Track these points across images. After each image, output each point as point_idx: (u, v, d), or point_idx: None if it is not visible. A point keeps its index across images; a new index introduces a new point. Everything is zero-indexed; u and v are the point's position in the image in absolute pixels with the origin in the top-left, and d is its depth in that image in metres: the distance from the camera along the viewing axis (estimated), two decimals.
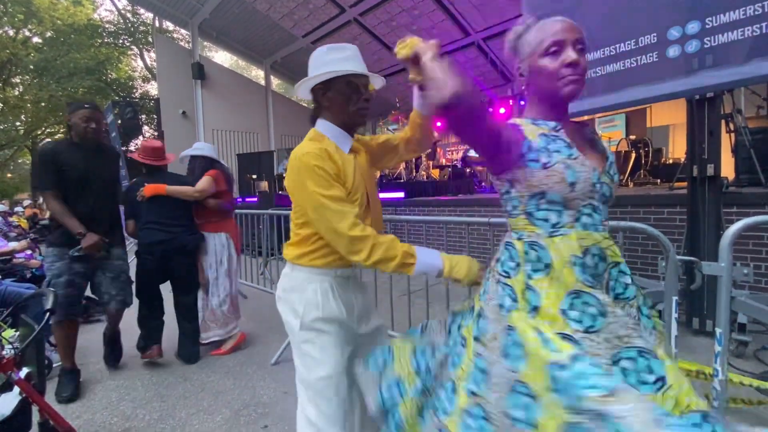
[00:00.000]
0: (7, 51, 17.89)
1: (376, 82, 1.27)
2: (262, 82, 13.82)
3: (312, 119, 1.25)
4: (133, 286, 2.70)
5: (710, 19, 2.31)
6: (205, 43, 14.14)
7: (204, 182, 2.79)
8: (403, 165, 8.05)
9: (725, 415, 1.41)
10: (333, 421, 1.11)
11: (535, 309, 0.87)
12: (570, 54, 0.89)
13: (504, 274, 0.94)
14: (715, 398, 1.39)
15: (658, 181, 6.03)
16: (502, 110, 10.60)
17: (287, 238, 1.27)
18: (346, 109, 1.18)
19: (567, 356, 0.78)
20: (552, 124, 0.95)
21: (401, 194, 6.29)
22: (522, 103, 10.34)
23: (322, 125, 1.21)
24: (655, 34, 2.52)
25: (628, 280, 0.94)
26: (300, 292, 1.21)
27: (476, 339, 0.92)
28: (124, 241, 2.67)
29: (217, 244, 2.92)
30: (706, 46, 2.35)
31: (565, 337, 0.83)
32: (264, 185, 8.63)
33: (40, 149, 2.51)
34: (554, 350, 0.80)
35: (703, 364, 2.10)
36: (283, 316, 1.26)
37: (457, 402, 0.90)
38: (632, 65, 2.63)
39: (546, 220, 0.90)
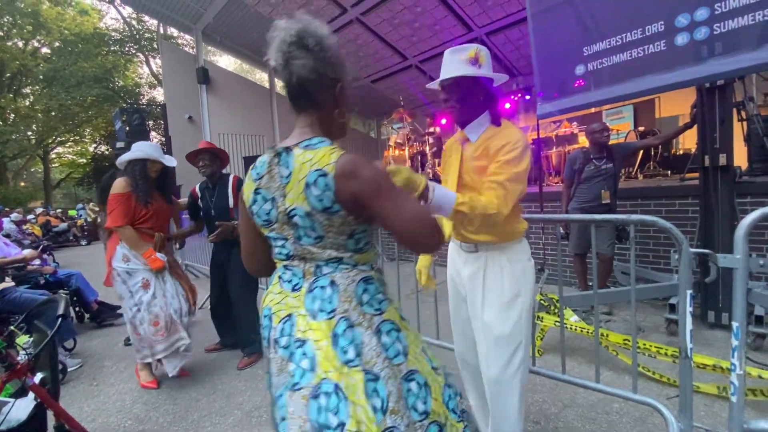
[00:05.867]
0: (17, 62, 18.24)
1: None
2: (267, 85, 13.89)
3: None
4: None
5: (719, 4, 2.26)
6: (210, 47, 14.25)
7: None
8: (408, 163, 8.02)
9: (744, 409, 1.37)
10: None
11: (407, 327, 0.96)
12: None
13: (377, 311, 0.90)
14: (733, 393, 1.36)
15: (669, 172, 5.92)
16: (507, 105, 10.53)
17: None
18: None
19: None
20: None
21: None
22: (528, 97, 10.27)
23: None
24: (662, 22, 2.47)
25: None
26: None
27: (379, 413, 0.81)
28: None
29: None
30: (715, 32, 2.29)
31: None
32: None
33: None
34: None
35: (720, 357, 2.06)
36: None
37: None
38: (639, 55, 2.58)
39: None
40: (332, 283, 0.89)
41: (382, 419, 0.80)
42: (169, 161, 2.64)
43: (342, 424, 0.77)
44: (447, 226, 1.47)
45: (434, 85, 1.42)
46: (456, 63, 1.32)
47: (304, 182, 0.84)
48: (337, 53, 0.91)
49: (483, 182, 1.29)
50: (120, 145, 3.00)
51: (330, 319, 0.86)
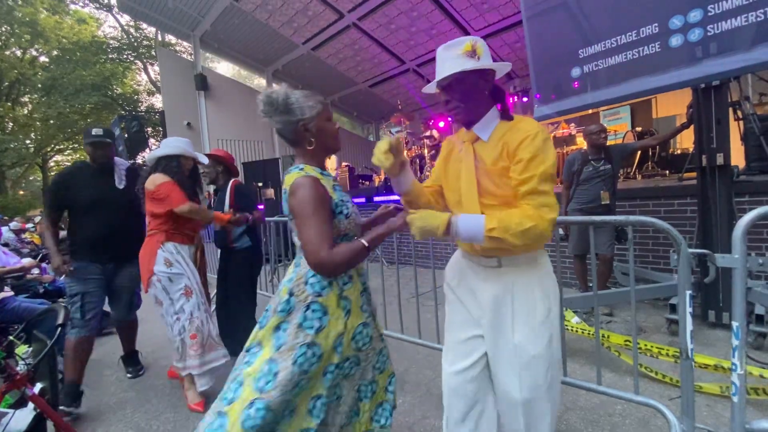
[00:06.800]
0: (16, 71, 18.27)
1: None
2: None
3: None
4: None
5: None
6: (207, 54, 14.30)
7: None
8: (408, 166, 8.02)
9: (746, 408, 1.37)
10: None
11: (348, 312, 1.27)
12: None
13: (316, 294, 1.23)
14: (734, 393, 1.36)
15: (667, 172, 5.94)
16: None
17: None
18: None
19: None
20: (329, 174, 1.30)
21: None
22: (525, 99, 10.30)
23: None
24: (656, 24, 2.49)
25: None
26: None
27: (276, 348, 1.22)
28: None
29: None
30: (709, 33, 2.31)
31: (365, 324, 1.32)
32: (270, 192, 8.67)
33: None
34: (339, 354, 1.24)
35: (721, 357, 2.06)
36: None
37: (242, 394, 1.17)
38: (634, 56, 2.60)
39: None
40: (296, 264, 1.30)
41: (274, 354, 1.19)
42: (202, 158, 2.58)
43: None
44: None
45: (431, 88, 1.29)
46: (452, 59, 1.18)
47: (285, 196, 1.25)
48: (295, 104, 1.25)
49: (512, 189, 1.14)
50: (96, 131, 2.50)
51: (285, 287, 1.27)
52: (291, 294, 1.24)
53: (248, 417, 1.11)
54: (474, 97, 1.21)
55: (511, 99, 10.52)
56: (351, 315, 1.27)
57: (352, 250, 1.14)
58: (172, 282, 2.29)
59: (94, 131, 2.49)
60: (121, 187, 2.55)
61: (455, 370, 1.31)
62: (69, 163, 23.91)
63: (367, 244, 1.15)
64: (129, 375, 2.80)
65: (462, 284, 1.34)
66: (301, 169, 1.23)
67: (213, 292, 2.98)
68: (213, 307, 3.09)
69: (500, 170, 1.16)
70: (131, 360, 2.84)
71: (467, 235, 1.11)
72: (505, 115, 1.23)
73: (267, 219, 4.04)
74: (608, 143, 3.48)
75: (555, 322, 1.23)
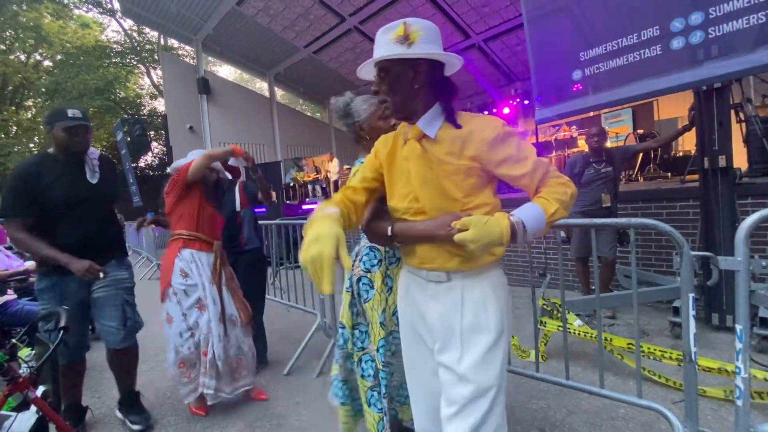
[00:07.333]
0: (20, 75, 18.43)
1: None
2: (267, 94, 13.99)
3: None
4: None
5: (714, 9, 2.27)
6: (210, 58, 14.39)
7: None
8: None
9: (750, 412, 1.36)
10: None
11: (390, 289, 1.46)
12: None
13: (366, 270, 1.47)
14: (738, 396, 1.35)
15: (669, 174, 5.93)
16: (506, 110, 10.59)
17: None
18: None
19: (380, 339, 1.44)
20: None
21: None
22: (526, 102, 10.32)
23: None
24: (657, 27, 2.49)
25: None
26: None
27: (356, 315, 1.55)
28: (125, 259, 2.26)
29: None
30: (710, 36, 2.31)
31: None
32: (271, 195, 8.70)
33: (14, 167, 2.07)
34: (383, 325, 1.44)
35: (725, 360, 2.04)
36: None
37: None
38: (636, 59, 2.59)
39: None
40: (357, 242, 1.58)
41: (354, 319, 1.55)
42: (227, 174, 2.59)
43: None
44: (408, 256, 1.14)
45: (365, 74, 1.10)
46: (384, 45, 1.01)
47: None
48: (353, 108, 1.53)
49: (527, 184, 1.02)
50: (74, 112, 2.02)
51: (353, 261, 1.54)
52: (352, 269, 1.50)
53: (362, 370, 1.49)
54: (400, 90, 1.03)
55: (512, 102, 10.54)
56: (392, 292, 1.43)
57: (377, 230, 1.14)
58: (187, 295, 2.17)
59: (72, 112, 1.97)
60: (95, 181, 2.08)
61: (421, 424, 1.17)
62: None
63: (389, 234, 1.08)
64: (135, 428, 2.15)
65: (411, 307, 1.15)
66: (362, 162, 1.40)
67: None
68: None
69: (465, 170, 1.00)
70: (131, 403, 2.24)
71: (535, 232, 0.94)
72: (449, 116, 1.03)
73: (268, 222, 4.03)
74: (610, 146, 3.48)
75: (506, 345, 1.05)
